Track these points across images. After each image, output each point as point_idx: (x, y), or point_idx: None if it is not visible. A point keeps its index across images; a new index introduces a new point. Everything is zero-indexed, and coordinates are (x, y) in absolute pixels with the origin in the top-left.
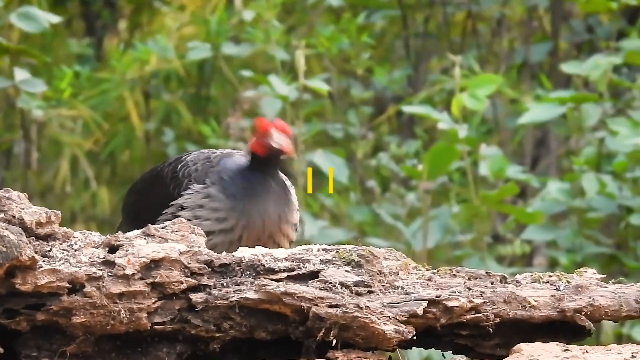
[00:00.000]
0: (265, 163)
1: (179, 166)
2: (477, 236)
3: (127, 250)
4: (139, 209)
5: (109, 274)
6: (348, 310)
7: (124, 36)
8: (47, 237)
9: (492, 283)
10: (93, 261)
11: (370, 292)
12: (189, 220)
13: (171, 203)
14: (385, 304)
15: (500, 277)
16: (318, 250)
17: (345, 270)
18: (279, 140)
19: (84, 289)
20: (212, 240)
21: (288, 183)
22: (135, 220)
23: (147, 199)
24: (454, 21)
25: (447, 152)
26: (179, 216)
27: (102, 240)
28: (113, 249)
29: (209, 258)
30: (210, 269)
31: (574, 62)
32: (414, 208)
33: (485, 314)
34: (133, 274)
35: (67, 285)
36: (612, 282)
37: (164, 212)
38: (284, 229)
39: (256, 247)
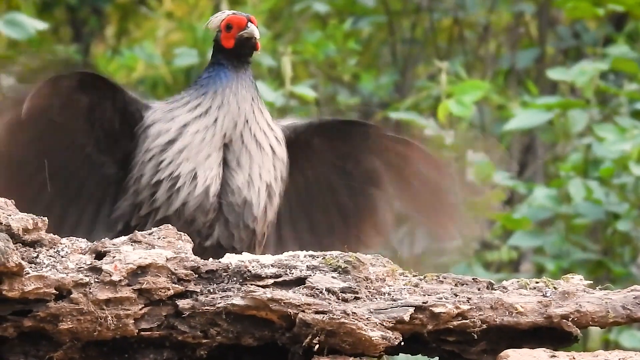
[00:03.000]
0: (235, 56)
1: None
2: (464, 242)
3: (113, 257)
4: None
5: (96, 280)
6: (335, 316)
7: (111, 42)
8: (33, 244)
9: (478, 289)
10: (80, 267)
11: (356, 298)
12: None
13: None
14: (372, 310)
15: (487, 283)
16: (305, 256)
17: (332, 277)
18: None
19: (71, 295)
20: (189, 132)
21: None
22: None
23: None
24: (440, 27)
25: None
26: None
27: (89, 246)
28: (100, 255)
29: (196, 264)
30: (197, 275)
31: (561, 68)
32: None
33: (472, 320)
34: (120, 280)
35: (54, 291)
36: (599, 288)
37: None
38: (259, 119)
39: (243, 253)
